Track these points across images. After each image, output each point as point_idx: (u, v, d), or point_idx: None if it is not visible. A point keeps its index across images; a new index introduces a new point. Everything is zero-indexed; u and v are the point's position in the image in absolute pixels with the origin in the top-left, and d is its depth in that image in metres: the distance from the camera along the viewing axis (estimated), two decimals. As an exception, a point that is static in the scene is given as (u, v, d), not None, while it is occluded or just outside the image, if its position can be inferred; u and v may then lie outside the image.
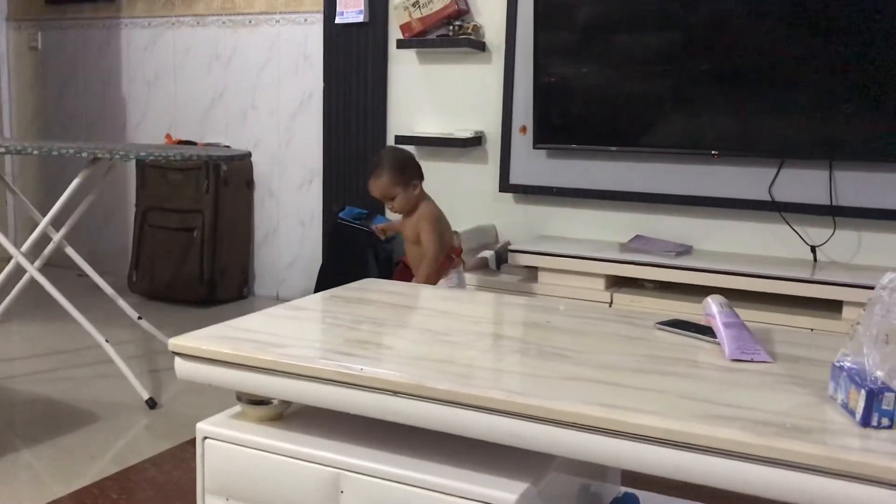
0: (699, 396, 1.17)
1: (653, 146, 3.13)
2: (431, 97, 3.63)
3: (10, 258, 2.75)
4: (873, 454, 0.96)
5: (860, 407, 1.06)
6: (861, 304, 1.34)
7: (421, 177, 2.65)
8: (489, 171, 3.50)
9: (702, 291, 2.53)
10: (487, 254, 3.32)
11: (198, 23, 4.20)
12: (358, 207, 3.71)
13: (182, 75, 4.29)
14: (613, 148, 3.17)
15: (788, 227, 3.02)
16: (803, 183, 2.95)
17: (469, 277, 3.16)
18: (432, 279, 2.61)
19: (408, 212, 2.63)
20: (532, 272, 3.12)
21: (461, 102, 3.55)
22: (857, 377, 1.08)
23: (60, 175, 4.66)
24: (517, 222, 3.48)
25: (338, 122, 3.84)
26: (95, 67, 4.53)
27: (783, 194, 2.99)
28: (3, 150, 2.53)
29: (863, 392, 1.05)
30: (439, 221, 2.65)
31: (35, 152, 2.49)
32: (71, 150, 2.50)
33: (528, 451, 1.17)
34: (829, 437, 1.02)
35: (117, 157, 2.51)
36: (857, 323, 1.11)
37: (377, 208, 3.76)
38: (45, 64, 4.68)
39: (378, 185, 2.59)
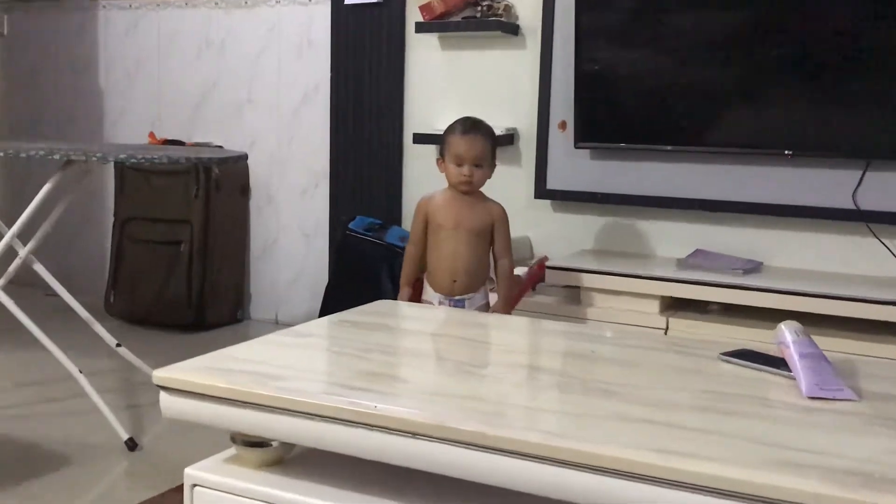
0: (771, 440, 1.16)
1: (716, 145, 3.11)
2: (455, 89, 3.64)
3: (-30, 276, 2.79)
4: (977, 510, 0.95)
5: (962, 454, 1.05)
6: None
7: None
8: (523, 174, 3.51)
9: (774, 316, 2.51)
10: (520, 271, 3.31)
11: (186, 3, 4.25)
12: (370, 217, 3.73)
13: (168, 64, 4.34)
14: (669, 147, 3.17)
15: (876, 239, 3.00)
16: (894, 188, 2.93)
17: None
18: (516, 294, 2.66)
19: (474, 189, 2.64)
20: (573, 293, 3.11)
21: (490, 95, 3.56)
22: (957, 419, 1.07)
23: (28, 180, 4.71)
24: (555, 234, 3.48)
25: (347, 118, 3.87)
26: (69, 55, 4.59)
27: (869, 201, 2.97)
28: (-36, 151, 2.57)
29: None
30: None
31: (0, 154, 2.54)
32: (41, 152, 2.53)
33: (568, 504, 1.17)
34: (925, 490, 1.01)
35: (93, 159, 2.55)
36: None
37: (393, 217, 3.77)
38: (11, 51, 4.75)
39: (485, 144, 2.62)
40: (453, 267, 2.61)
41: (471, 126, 2.64)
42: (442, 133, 3.52)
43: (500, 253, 2.67)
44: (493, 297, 2.71)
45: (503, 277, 2.68)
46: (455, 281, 2.61)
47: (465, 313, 2.34)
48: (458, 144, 2.60)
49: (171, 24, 4.30)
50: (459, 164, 2.59)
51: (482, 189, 2.68)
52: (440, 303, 2.61)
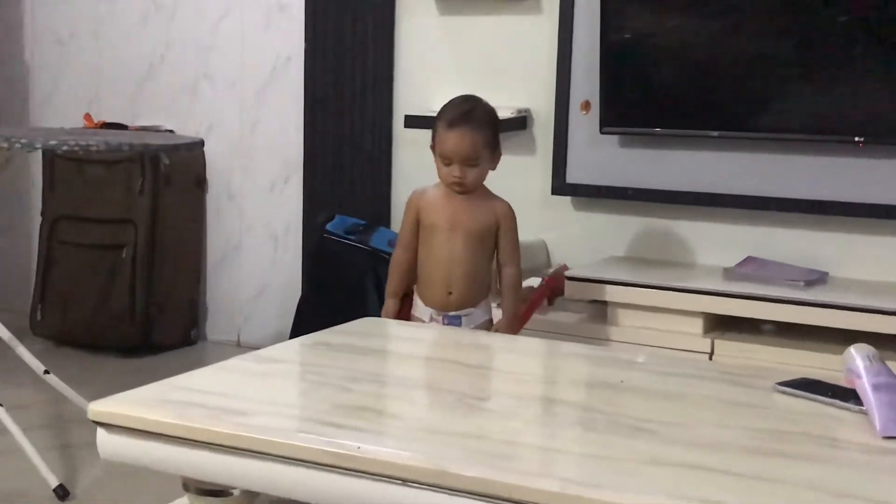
0: (837, 489, 1.16)
1: (770, 131, 3.12)
2: (456, 62, 3.65)
3: None
4: None
5: None
6: None
7: None
8: (537, 165, 3.51)
9: (841, 338, 2.51)
10: (533, 282, 3.32)
11: (130, -41, 4.27)
12: (353, 217, 3.73)
13: (108, 34, 4.35)
14: (714, 133, 3.17)
15: (966, 245, 3.00)
16: None
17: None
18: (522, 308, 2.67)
19: (470, 190, 2.62)
20: (599, 309, 3.11)
21: (498, 69, 3.56)
22: None
23: (-62, 171, 4.73)
24: (577, 238, 3.48)
25: (325, 97, 3.87)
26: (-12, 21, 4.60)
27: (958, 199, 2.98)
28: None
29: None
30: None
31: None
32: (-46, 138, 2.53)
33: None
34: None
35: (17, 146, 2.55)
36: None
37: (380, 217, 3.77)
38: (-82, 17, 4.77)
39: (475, 139, 2.58)
40: (448, 276, 2.61)
41: (459, 117, 2.59)
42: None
43: (506, 260, 2.67)
44: (498, 314, 2.71)
45: (508, 289, 2.67)
46: (451, 293, 2.60)
47: (468, 334, 2.34)
48: (445, 140, 2.58)
49: (113, -16, 4.32)
50: (448, 164, 2.58)
51: (486, 183, 2.67)
52: (432, 319, 2.60)
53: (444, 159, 2.58)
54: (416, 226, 2.65)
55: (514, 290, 2.67)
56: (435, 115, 3.23)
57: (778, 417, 1.45)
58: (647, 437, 1.34)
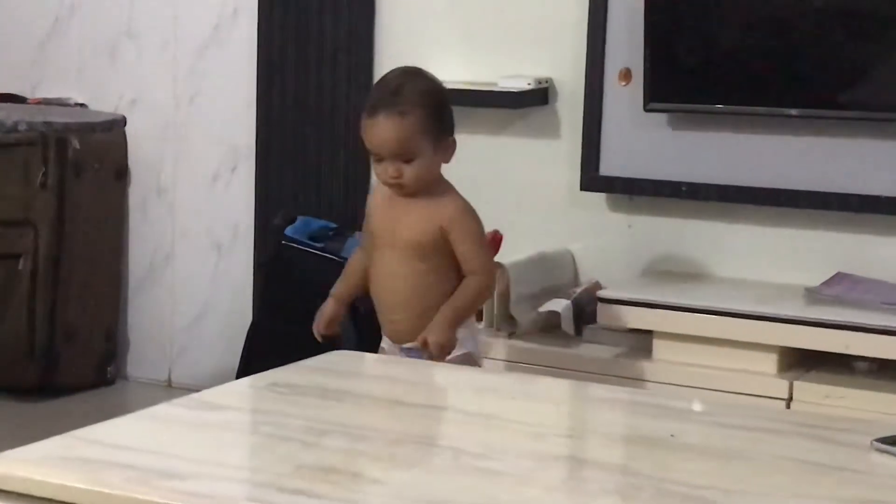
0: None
1: (868, 109, 3.13)
2: (455, 19, 3.66)
3: None
4: None
5: None
6: None
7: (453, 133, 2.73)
8: (562, 151, 3.53)
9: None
10: (558, 305, 3.32)
11: None
12: (319, 219, 3.74)
13: (1, -24, 4.37)
14: (793, 111, 3.18)
15: None
16: None
17: (525, 349, 3.16)
18: (462, 321, 2.65)
19: (414, 191, 2.66)
20: (643, 339, 3.12)
21: (513, 28, 3.58)
22: None
23: None
24: (614, 247, 3.49)
25: (284, 63, 3.88)
26: None
27: None
28: None
29: None
30: None
31: None
32: None
33: None
34: None
35: None
36: None
37: (354, 219, 3.77)
38: None
39: (398, 127, 2.61)
40: (391, 299, 2.69)
41: (377, 102, 2.65)
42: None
43: (467, 268, 2.67)
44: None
45: (458, 291, 2.66)
46: (396, 319, 2.68)
47: (470, 373, 2.34)
48: (367, 132, 2.64)
49: (7, -87, 4.33)
50: (379, 160, 2.63)
51: (447, 178, 2.70)
52: (389, 352, 2.67)
53: (373, 155, 2.64)
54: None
55: (461, 294, 2.65)
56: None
57: (875, 484, 1.45)
58: (705, 509, 1.34)
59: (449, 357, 2.61)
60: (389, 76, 2.78)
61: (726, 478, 1.46)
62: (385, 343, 2.73)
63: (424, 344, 2.56)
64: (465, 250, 2.64)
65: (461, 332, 2.65)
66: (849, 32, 3.12)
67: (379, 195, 2.75)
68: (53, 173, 3.98)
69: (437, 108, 2.66)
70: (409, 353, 2.62)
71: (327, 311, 2.73)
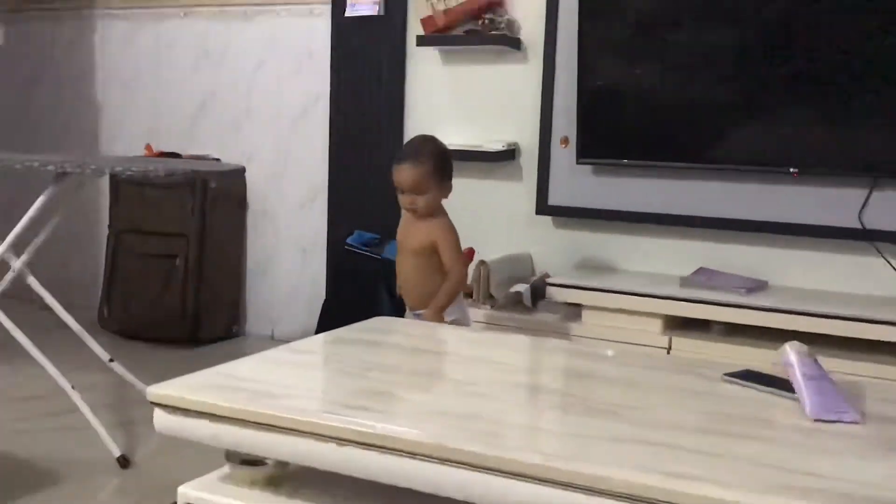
0: (775, 463, 1.16)
1: (720, 162, 3.12)
2: (456, 103, 3.66)
3: (-38, 288, 2.80)
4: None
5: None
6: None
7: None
8: (524, 190, 3.51)
9: (778, 336, 2.51)
10: (521, 288, 3.32)
11: (184, 14, 4.27)
12: (368, 232, 3.73)
13: (165, 76, 4.36)
14: (673, 164, 3.17)
15: (883, 259, 3.00)
16: (901, 207, 2.94)
17: (500, 316, 3.15)
18: (447, 304, 2.64)
19: (422, 215, 2.67)
20: (575, 310, 3.11)
21: (492, 109, 3.57)
22: (964, 443, 1.07)
23: (22, 192, 4.71)
24: (557, 251, 3.48)
25: (346, 131, 3.88)
26: (65, 66, 4.61)
27: (876, 221, 2.97)
28: (-43, 162, 2.58)
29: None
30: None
31: (-5, 165, 2.54)
32: (35, 163, 2.54)
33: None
34: (932, 515, 1.01)
35: (89, 171, 2.56)
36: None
37: (391, 232, 3.77)
38: (7, 61, 4.76)
39: (414, 172, 2.62)
40: (406, 284, 2.73)
41: (403, 155, 2.69)
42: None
43: (447, 268, 2.66)
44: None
45: (441, 288, 2.65)
46: (408, 297, 2.73)
47: (465, 332, 2.34)
48: (395, 173, 2.66)
49: (169, 35, 4.32)
50: (401, 192, 2.66)
51: (450, 207, 2.72)
52: (408, 316, 2.74)
53: (397, 189, 2.67)
54: None
55: (443, 288, 2.64)
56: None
57: (725, 403, 1.45)
58: (615, 419, 1.34)
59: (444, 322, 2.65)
60: (413, 139, 2.82)
61: (628, 398, 1.46)
62: (407, 311, 2.75)
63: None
64: (446, 258, 2.64)
65: (450, 307, 2.66)
66: (706, 114, 3.11)
67: (403, 218, 2.75)
68: (198, 204, 3.98)
69: (441, 162, 2.68)
70: (417, 316, 2.67)
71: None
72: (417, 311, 2.69)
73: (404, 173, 2.63)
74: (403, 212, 2.74)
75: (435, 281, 2.65)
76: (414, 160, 2.63)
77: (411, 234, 2.70)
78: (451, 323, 2.65)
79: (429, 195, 2.63)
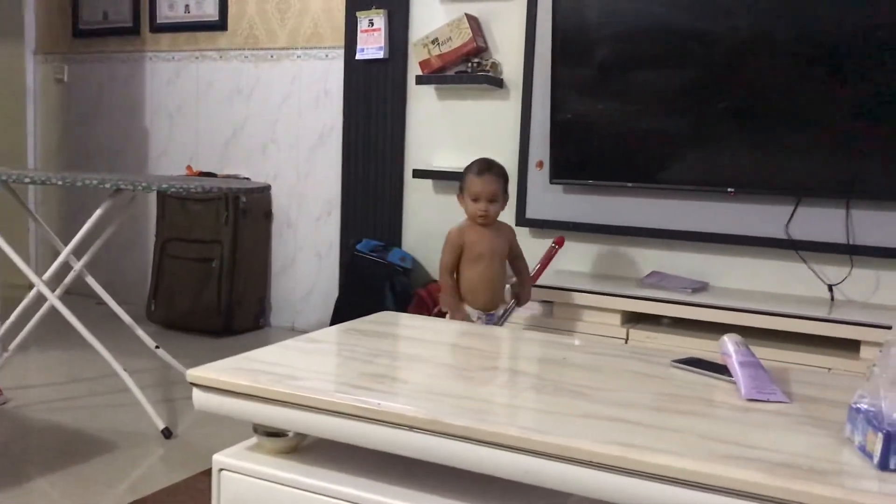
0: (715, 436, 1.16)
1: (669, 183, 3.13)
2: (449, 132, 3.66)
3: (31, 286, 2.79)
4: (891, 498, 0.96)
5: (878, 450, 1.05)
6: (879, 344, 1.33)
7: None
8: (507, 205, 3.50)
9: (718, 329, 2.51)
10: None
11: (220, 57, 4.27)
12: (375, 240, 3.73)
13: (204, 108, 4.35)
14: (630, 184, 3.18)
15: (805, 265, 3.01)
16: (820, 221, 2.94)
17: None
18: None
19: (491, 222, 2.63)
20: (549, 306, 3.11)
21: (479, 138, 3.57)
22: (874, 420, 1.07)
23: (82, 205, 4.71)
24: (534, 257, 3.47)
25: (356, 155, 3.88)
26: (119, 100, 4.60)
27: (800, 232, 2.98)
28: (28, 179, 2.57)
29: (880, 435, 1.05)
30: None
31: (59, 182, 2.53)
32: (94, 181, 2.53)
33: (543, 489, 1.17)
34: (847, 480, 1.01)
35: (140, 188, 2.55)
36: (874, 365, 1.11)
37: (393, 240, 3.77)
38: (70, 96, 4.76)
39: (498, 183, 2.61)
40: (493, 288, 2.65)
41: (485, 167, 2.63)
42: (437, 170, 3.53)
43: (518, 255, 2.75)
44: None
45: (525, 269, 2.79)
46: (492, 299, 2.66)
47: (458, 325, 2.34)
48: (475, 184, 2.60)
49: (208, 75, 4.32)
50: (476, 200, 2.60)
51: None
52: (479, 318, 2.63)
53: (473, 197, 2.60)
54: (459, 255, 2.63)
55: (527, 269, 2.80)
56: (435, 169, 3.22)
57: (673, 385, 1.45)
58: (581, 398, 1.34)
59: (499, 315, 2.69)
60: (483, 159, 2.70)
61: (593, 381, 1.45)
62: (473, 313, 2.62)
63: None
64: (515, 246, 2.73)
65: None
66: (658, 142, 3.11)
67: (470, 234, 2.61)
68: (231, 215, 3.98)
69: (506, 179, 2.68)
70: (490, 317, 2.64)
71: (458, 315, 2.62)
72: (491, 312, 2.64)
73: (492, 184, 2.59)
74: (462, 227, 2.62)
75: (503, 282, 2.69)
76: (497, 173, 2.62)
77: (496, 243, 2.63)
78: (499, 313, 2.70)
79: (499, 204, 2.63)
